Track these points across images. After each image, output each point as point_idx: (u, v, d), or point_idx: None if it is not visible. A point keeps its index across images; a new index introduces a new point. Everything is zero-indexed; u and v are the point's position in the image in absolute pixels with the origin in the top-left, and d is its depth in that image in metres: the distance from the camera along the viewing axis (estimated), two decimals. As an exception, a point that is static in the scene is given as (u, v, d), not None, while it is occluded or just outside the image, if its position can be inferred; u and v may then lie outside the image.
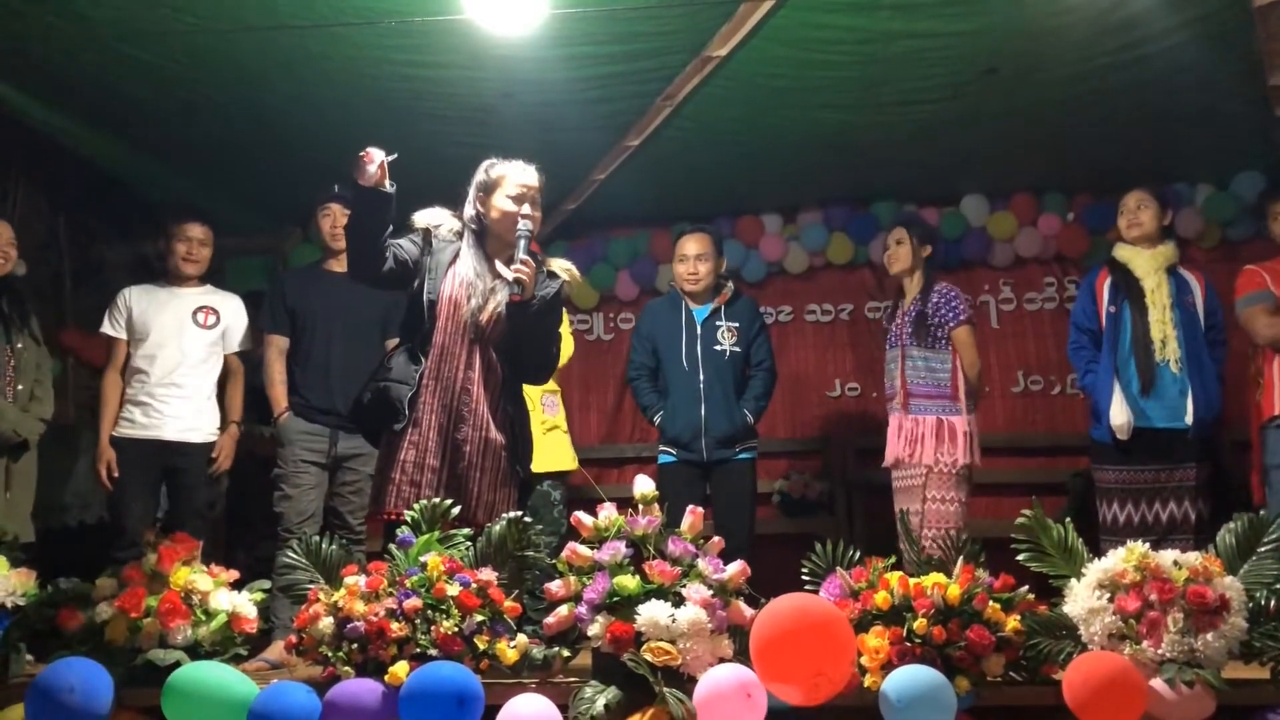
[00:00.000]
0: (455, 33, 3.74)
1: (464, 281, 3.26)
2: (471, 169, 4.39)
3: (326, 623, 2.75)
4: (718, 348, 4.52)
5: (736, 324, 4.57)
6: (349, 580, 2.81)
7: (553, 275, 3.33)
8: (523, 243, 3.19)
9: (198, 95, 4.30)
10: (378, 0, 3.59)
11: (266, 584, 3.18)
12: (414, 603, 2.71)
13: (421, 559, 2.83)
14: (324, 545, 3.00)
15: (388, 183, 3.11)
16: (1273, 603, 2.72)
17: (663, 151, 4.89)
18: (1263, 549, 2.82)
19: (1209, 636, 2.60)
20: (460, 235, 3.34)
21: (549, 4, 3.57)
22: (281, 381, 4.29)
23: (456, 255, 3.30)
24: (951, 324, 4.32)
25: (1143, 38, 3.97)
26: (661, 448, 4.57)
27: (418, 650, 2.69)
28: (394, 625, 2.69)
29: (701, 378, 4.48)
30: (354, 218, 3.19)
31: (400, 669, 2.63)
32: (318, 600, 2.82)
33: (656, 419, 4.55)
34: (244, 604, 3.05)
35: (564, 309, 3.44)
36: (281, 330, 4.34)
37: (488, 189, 3.31)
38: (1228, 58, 4.14)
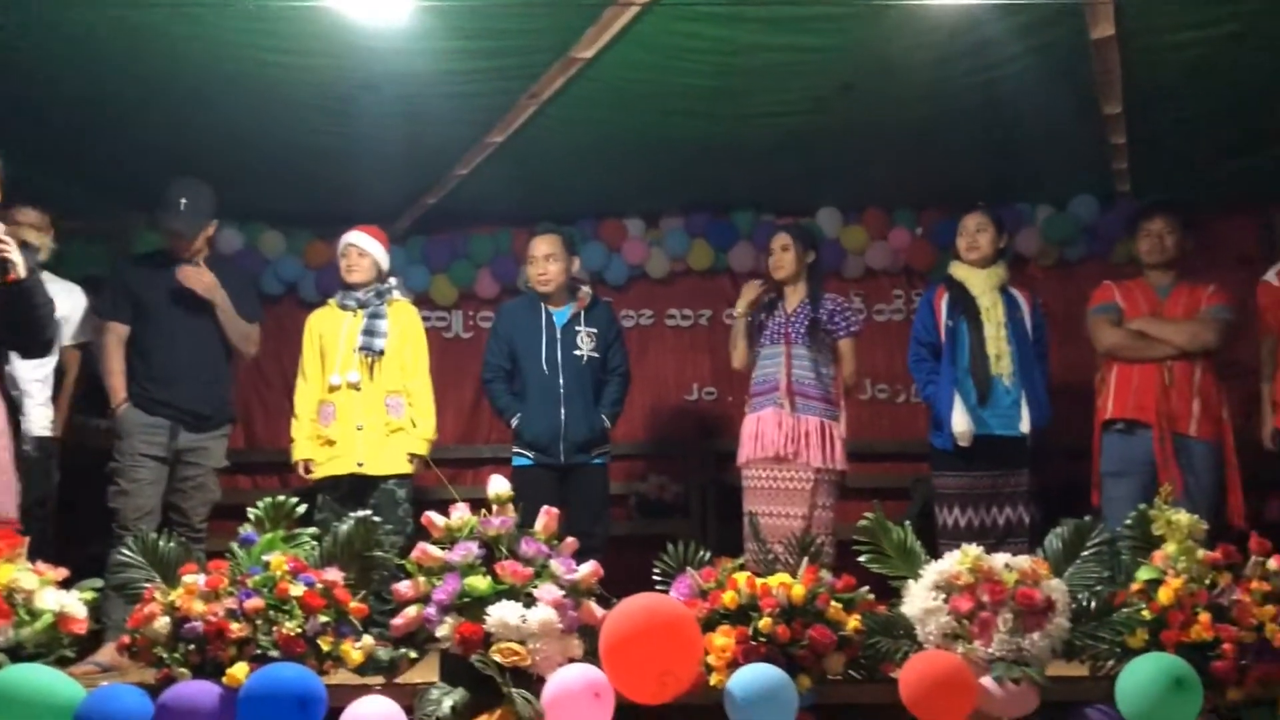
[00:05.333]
0: (316, 20, 3.64)
1: None
2: (331, 158, 4.32)
3: (162, 623, 2.66)
4: (577, 353, 4.54)
5: (595, 329, 4.61)
6: (187, 579, 2.71)
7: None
8: None
9: (36, 70, 4.09)
10: (235, -20, 3.48)
11: (98, 583, 3.05)
12: (255, 603, 2.64)
13: (264, 558, 2.75)
14: (161, 542, 2.90)
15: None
16: (1093, 604, 2.88)
17: (527, 149, 4.87)
18: (1086, 552, 2.98)
19: (1035, 636, 2.73)
20: None
21: (413, -5, 3.52)
22: (120, 371, 4.12)
23: None
24: (842, 333, 4.44)
25: (991, 62, 4.14)
26: (516, 450, 4.55)
27: (258, 651, 2.62)
28: (234, 625, 2.61)
29: (561, 382, 4.48)
30: None
31: (239, 670, 2.56)
32: (153, 599, 2.72)
33: (513, 422, 4.54)
34: (73, 603, 2.91)
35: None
36: (122, 318, 4.17)
37: None
38: (1068, 86, 4.35)
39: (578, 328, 4.58)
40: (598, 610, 2.77)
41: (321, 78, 4.15)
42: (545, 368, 4.51)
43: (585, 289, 4.69)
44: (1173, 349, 4.20)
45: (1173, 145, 4.99)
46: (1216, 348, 4.24)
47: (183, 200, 4.09)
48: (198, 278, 4.11)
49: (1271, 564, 2.90)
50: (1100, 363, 4.42)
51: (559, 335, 4.56)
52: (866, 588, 2.92)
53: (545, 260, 4.56)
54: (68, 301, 4.20)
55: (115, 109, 4.43)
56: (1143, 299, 4.35)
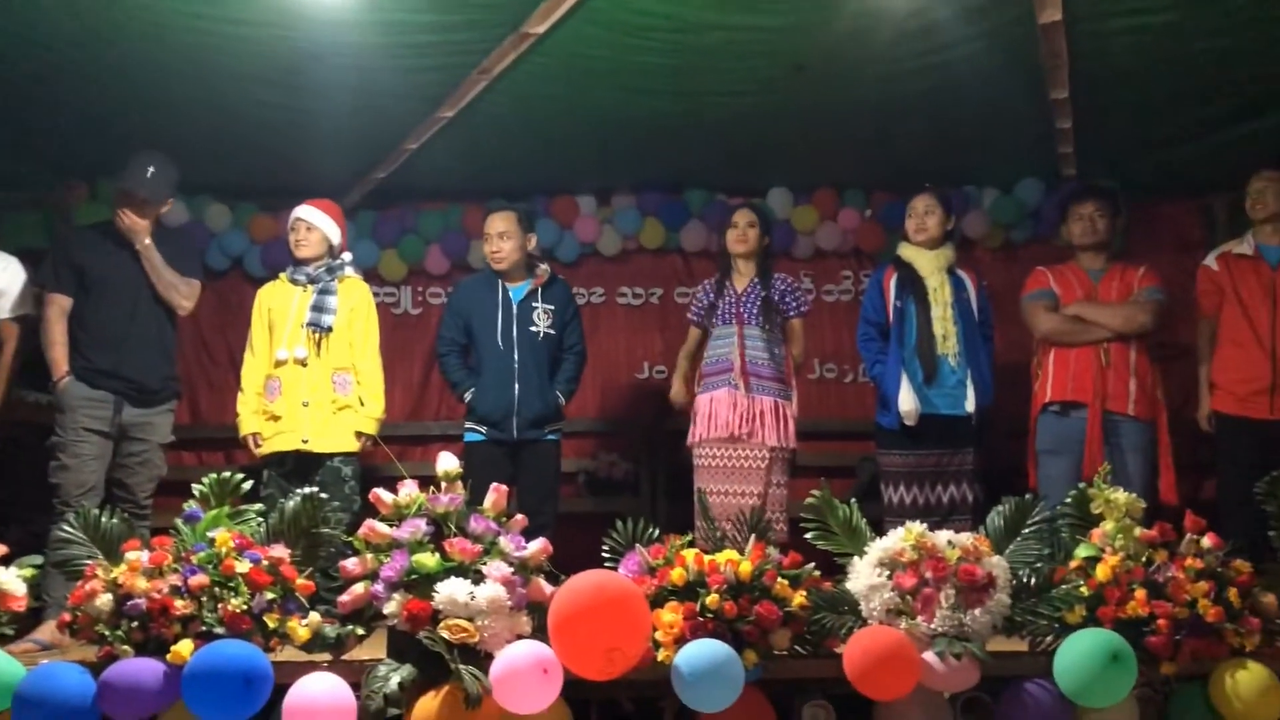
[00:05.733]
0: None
1: None
2: (278, 130, 4.25)
3: (104, 600, 2.63)
4: (533, 329, 4.52)
5: (552, 306, 4.59)
6: (130, 555, 2.68)
7: None
8: None
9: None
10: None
11: (38, 559, 3.01)
12: (200, 579, 2.62)
13: (210, 534, 2.73)
14: (104, 519, 2.86)
15: None
16: (1034, 580, 2.94)
17: (478, 125, 4.83)
18: (1027, 530, 3.05)
19: (976, 612, 2.79)
20: None
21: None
22: (62, 343, 4.04)
23: None
24: (793, 312, 4.50)
25: (940, 45, 4.17)
26: (469, 425, 4.53)
27: (204, 629, 2.60)
28: (178, 602, 2.59)
29: (516, 358, 4.47)
30: None
31: (184, 648, 2.54)
32: (95, 576, 2.68)
33: (466, 396, 4.52)
34: (12, 581, 2.87)
35: None
36: (65, 289, 4.09)
37: None
38: (1015, 71, 4.41)
39: (534, 304, 4.57)
40: (546, 587, 2.78)
41: (268, 48, 4.08)
42: (500, 343, 4.49)
43: (544, 266, 4.67)
44: (1109, 332, 4.29)
45: (1117, 130, 5.07)
46: (1152, 329, 4.32)
47: (151, 167, 4.02)
48: (121, 218, 4.05)
49: (1205, 542, 2.98)
50: (1037, 348, 4.49)
51: (515, 311, 4.54)
52: (813, 564, 2.95)
53: (499, 238, 4.53)
54: (5, 273, 4.11)
55: (54, 78, 4.32)
56: (1077, 283, 4.42)
